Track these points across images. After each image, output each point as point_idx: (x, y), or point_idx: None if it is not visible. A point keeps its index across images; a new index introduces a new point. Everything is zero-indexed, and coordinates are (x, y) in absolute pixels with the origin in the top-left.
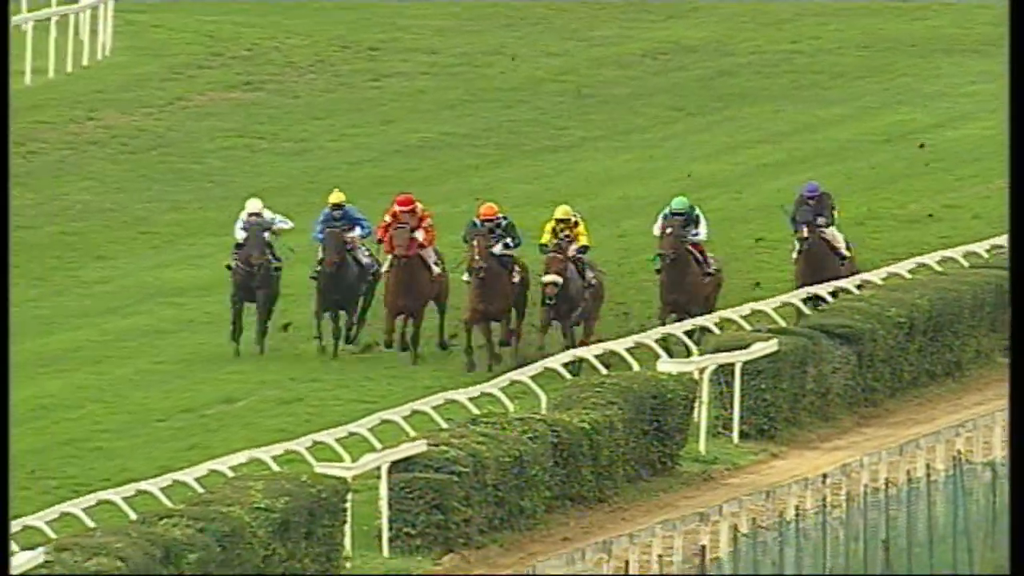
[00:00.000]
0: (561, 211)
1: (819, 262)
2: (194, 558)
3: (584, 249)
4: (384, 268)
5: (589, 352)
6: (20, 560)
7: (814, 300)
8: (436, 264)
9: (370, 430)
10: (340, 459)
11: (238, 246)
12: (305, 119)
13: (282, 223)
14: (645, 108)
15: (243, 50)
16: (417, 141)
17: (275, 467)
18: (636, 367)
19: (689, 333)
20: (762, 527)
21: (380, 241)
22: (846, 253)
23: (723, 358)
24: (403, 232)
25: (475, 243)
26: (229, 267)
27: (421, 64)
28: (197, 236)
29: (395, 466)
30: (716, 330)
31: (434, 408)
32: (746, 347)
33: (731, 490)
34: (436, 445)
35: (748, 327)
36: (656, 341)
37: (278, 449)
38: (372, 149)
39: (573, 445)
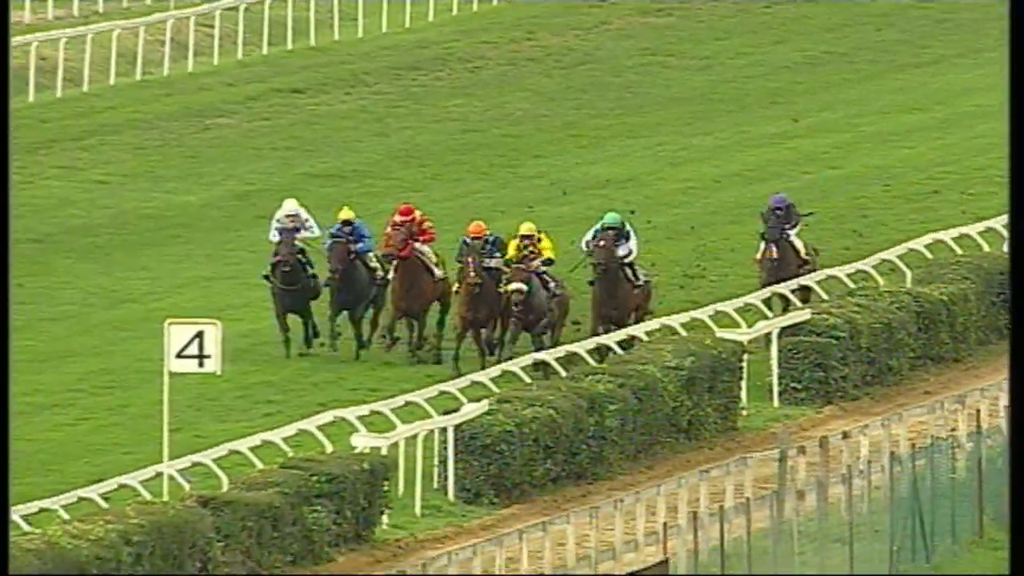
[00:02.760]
0: (525, 228)
1: (782, 264)
2: (614, 408)
3: (549, 262)
4: (390, 275)
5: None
6: (468, 409)
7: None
8: (437, 267)
9: (764, 301)
10: (738, 326)
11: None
12: (708, 39)
13: (311, 230)
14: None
15: None
16: (803, 58)
17: (683, 332)
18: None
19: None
20: None
21: (386, 255)
22: (806, 257)
23: None
24: (399, 234)
25: (469, 260)
26: (266, 277)
27: None
28: (618, 139)
29: (784, 331)
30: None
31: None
32: None
33: None
34: (818, 314)
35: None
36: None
37: (685, 317)
38: (765, 65)
39: (934, 313)
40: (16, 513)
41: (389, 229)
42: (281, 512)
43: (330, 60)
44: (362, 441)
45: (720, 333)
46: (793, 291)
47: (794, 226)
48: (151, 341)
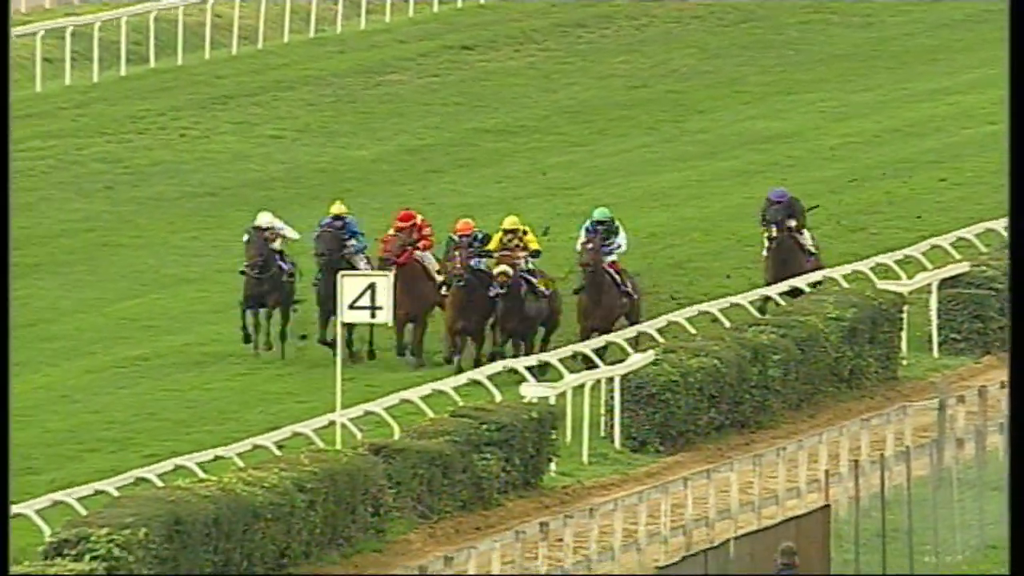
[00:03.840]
0: (509, 222)
1: (787, 259)
2: (777, 358)
3: (536, 254)
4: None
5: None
6: (634, 359)
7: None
8: (438, 272)
9: (924, 253)
10: (898, 277)
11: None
12: None
13: (290, 233)
14: None
15: None
16: (963, 16)
17: (844, 284)
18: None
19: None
20: None
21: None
22: (813, 250)
23: None
24: (397, 240)
25: (456, 256)
26: (242, 272)
27: None
28: (781, 95)
29: (943, 283)
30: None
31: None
32: None
33: None
34: (977, 266)
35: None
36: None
37: (846, 269)
38: (925, 23)
39: None
40: (192, 460)
41: (391, 231)
42: (451, 460)
43: (499, 18)
44: (531, 390)
45: (881, 284)
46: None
47: (792, 216)
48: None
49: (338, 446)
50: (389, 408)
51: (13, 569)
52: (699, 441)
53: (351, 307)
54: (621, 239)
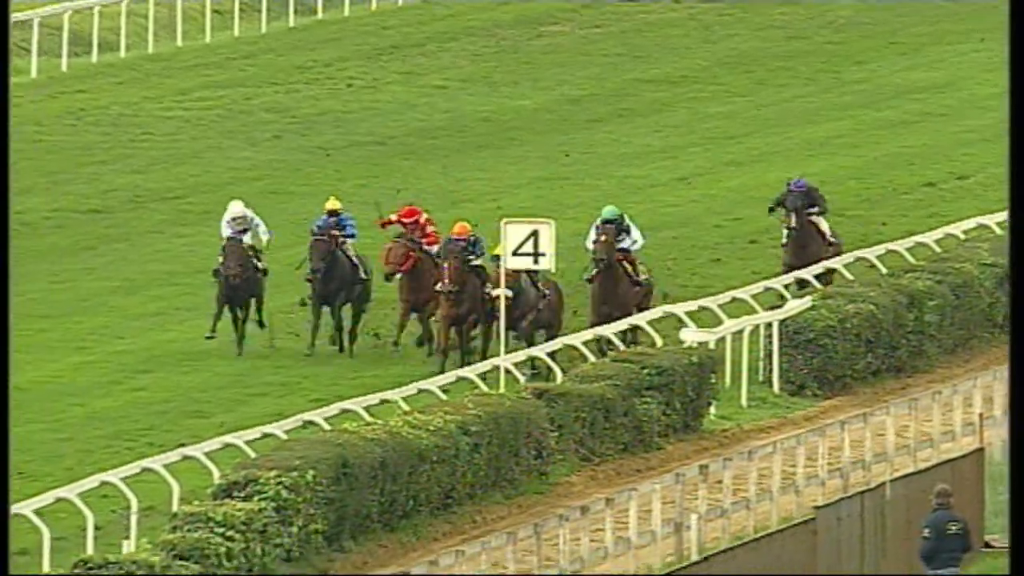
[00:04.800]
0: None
1: (806, 245)
2: (933, 304)
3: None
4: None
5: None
6: (792, 304)
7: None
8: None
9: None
10: None
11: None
12: None
13: (264, 233)
14: None
15: None
16: None
17: (999, 232)
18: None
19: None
20: None
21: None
22: (832, 240)
23: None
24: (398, 248)
25: (448, 262)
26: (216, 272)
27: None
28: (936, 46)
29: None
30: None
31: None
32: None
33: None
34: None
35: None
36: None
37: (999, 217)
38: None
39: None
40: (358, 404)
41: (392, 216)
42: (613, 403)
43: None
44: (691, 336)
45: None
46: (819, 275)
47: (812, 204)
48: (488, 240)
49: (501, 390)
50: (552, 353)
51: (184, 508)
52: (856, 385)
53: (515, 254)
54: (635, 235)
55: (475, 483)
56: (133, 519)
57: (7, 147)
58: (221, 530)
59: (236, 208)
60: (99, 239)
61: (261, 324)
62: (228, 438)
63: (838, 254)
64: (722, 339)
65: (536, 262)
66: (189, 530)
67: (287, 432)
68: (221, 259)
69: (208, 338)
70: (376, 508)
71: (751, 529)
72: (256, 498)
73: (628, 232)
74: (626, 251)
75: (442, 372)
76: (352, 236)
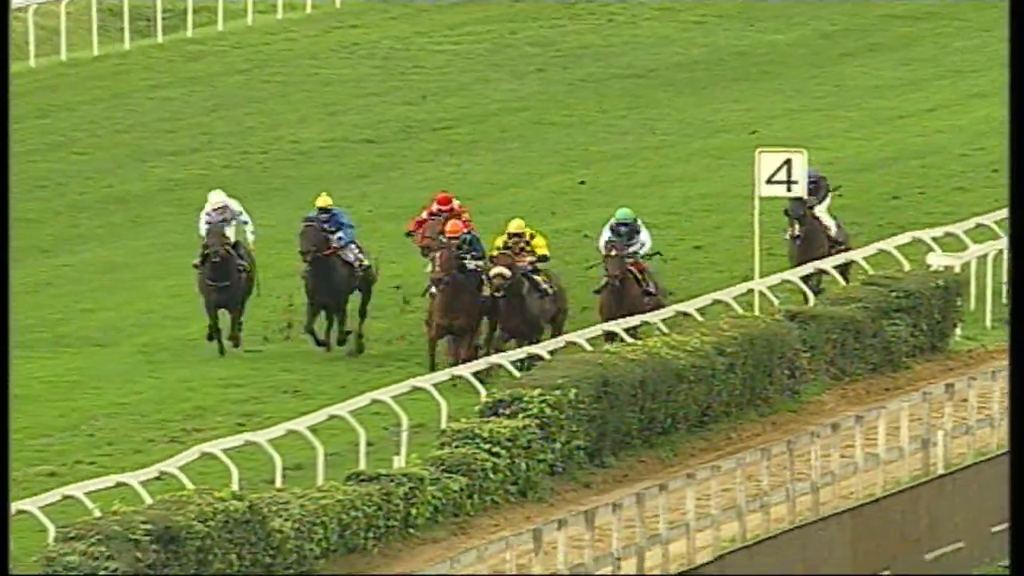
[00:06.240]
0: (515, 225)
1: (811, 239)
2: None
3: (543, 259)
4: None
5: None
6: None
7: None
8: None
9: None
10: None
11: (204, 245)
12: None
13: (251, 232)
14: None
15: None
16: None
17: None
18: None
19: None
20: None
21: (409, 234)
22: (837, 238)
23: None
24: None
25: (439, 256)
26: (195, 266)
27: None
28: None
29: None
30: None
31: None
32: None
33: None
34: None
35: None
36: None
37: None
38: None
39: None
40: (619, 326)
41: (424, 214)
42: (862, 325)
43: None
44: (937, 260)
45: None
46: (834, 267)
47: (822, 200)
48: (743, 169)
49: (756, 312)
50: (804, 277)
51: (452, 425)
52: None
53: (768, 182)
54: (644, 237)
55: (730, 402)
56: (404, 435)
57: (7, 147)
58: (487, 446)
59: (216, 198)
60: (372, 167)
61: (236, 333)
62: (495, 358)
63: (846, 250)
64: (967, 263)
65: (789, 189)
66: (457, 446)
67: (550, 353)
68: (202, 247)
69: (210, 339)
70: (636, 425)
71: (994, 446)
72: (521, 415)
73: (639, 233)
74: (636, 256)
75: (432, 370)
76: (351, 226)
